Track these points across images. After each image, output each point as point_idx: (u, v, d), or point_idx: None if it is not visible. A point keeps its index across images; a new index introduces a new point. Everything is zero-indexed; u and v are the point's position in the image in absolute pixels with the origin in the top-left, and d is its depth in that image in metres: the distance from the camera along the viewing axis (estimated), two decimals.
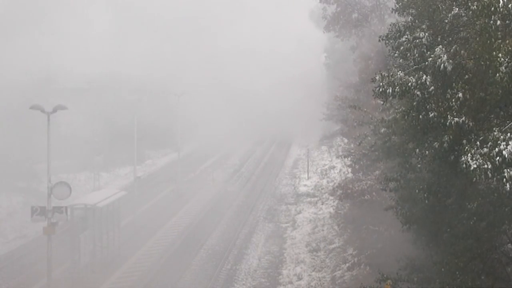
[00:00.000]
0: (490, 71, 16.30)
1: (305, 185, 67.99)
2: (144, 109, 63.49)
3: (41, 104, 30.14)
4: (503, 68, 15.83)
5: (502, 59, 15.85)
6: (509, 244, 21.53)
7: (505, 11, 16.30)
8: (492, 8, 16.28)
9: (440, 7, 18.02)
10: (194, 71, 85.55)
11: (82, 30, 65.98)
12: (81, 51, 64.37)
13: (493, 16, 16.34)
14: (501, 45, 16.04)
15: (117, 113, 69.04)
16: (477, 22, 16.93)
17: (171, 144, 72.54)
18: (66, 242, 41.75)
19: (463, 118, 16.74)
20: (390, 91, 17.72)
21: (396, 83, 17.62)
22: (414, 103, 17.71)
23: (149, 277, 37.80)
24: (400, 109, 19.71)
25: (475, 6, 16.83)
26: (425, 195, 19.29)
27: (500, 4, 16.25)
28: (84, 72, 67.34)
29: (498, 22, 16.37)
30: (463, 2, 17.44)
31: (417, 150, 19.34)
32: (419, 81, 17.38)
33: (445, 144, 17.07)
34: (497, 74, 15.98)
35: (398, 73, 17.87)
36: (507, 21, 16.48)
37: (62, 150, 56.52)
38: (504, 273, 20.83)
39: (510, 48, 15.88)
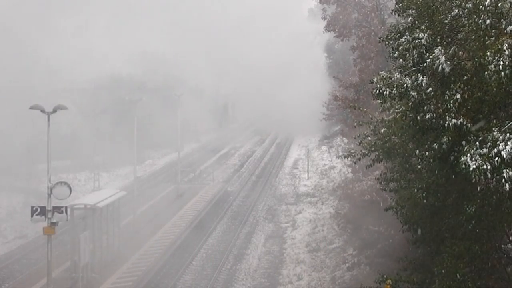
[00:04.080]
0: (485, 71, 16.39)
1: (305, 185, 67.98)
2: (144, 109, 63.47)
3: (41, 104, 30.10)
4: (492, 66, 15.87)
5: (490, 58, 15.90)
6: (509, 244, 21.55)
7: (495, 10, 16.34)
8: (481, 7, 16.37)
9: (440, 8, 18.04)
10: (195, 70, 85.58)
11: (82, 30, 65.95)
12: (81, 51, 64.33)
13: (482, 15, 16.40)
14: (492, 44, 16.09)
15: (117, 113, 69.04)
16: (468, 22, 17.02)
17: (171, 144, 72.55)
18: (66, 242, 41.76)
19: (461, 120, 16.78)
20: (387, 92, 17.79)
21: (394, 85, 17.67)
22: (410, 104, 17.77)
23: (149, 277, 37.79)
24: (400, 109, 19.75)
25: (470, 5, 16.90)
26: (424, 194, 19.31)
27: (486, 3, 16.32)
28: (84, 72, 67.30)
29: (488, 21, 16.42)
30: (460, 3, 17.48)
31: (417, 151, 19.36)
32: (415, 83, 17.42)
33: (443, 145, 17.11)
34: (486, 73, 16.04)
35: (395, 75, 17.91)
36: (501, 20, 16.50)
37: (62, 150, 56.49)
38: (504, 273, 20.84)
39: (499, 47, 15.90)
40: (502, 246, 21.54)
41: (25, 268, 40.04)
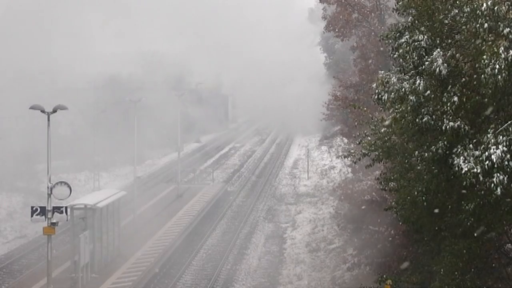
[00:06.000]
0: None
1: (305, 185, 67.96)
2: (144, 109, 63.46)
3: (41, 104, 30.08)
4: (489, 70, 15.90)
5: (486, 61, 15.93)
6: (509, 244, 21.55)
7: (492, 14, 16.37)
8: (478, 12, 16.40)
9: (440, 8, 18.05)
10: (195, 70, 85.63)
11: (83, 30, 65.97)
12: (81, 51, 64.35)
13: (479, 20, 16.44)
14: (489, 47, 16.12)
15: (117, 113, 69.03)
16: (466, 26, 17.06)
17: (171, 144, 72.56)
18: (66, 242, 41.76)
19: (458, 123, 16.80)
20: (386, 97, 17.85)
21: (393, 89, 17.73)
22: (409, 108, 17.81)
23: (149, 277, 37.78)
24: (400, 109, 19.73)
25: (468, 9, 16.92)
26: (424, 197, 19.27)
27: (483, 8, 16.35)
28: (84, 72, 67.35)
29: (486, 25, 16.45)
30: (459, 4, 17.50)
31: (416, 152, 19.34)
32: (413, 86, 17.45)
33: (439, 150, 17.16)
34: (482, 76, 16.08)
35: (392, 79, 17.95)
36: (498, 23, 16.52)
37: (62, 150, 56.48)
38: (504, 273, 20.86)
39: (495, 50, 15.92)
40: (502, 246, 21.55)
41: (25, 268, 40.04)
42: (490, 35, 16.57)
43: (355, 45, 42.98)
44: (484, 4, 16.43)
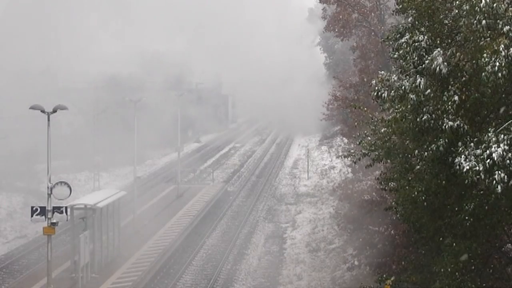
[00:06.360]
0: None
1: (305, 185, 67.96)
2: (144, 109, 63.49)
3: (41, 104, 30.08)
4: (489, 67, 15.94)
5: (487, 59, 15.97)
6: (509, 244, 21.55)
7: (491, 11, 16.39)
8: (476, 8, 16.43)
9: (440, 8, 18.07)
10: (195, 70, 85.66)
11: (83, 29, 65.97)
12: (81, 51, 64.37)
13: (477, 16, 16.46)
14: (489, 45, 16.15)
15: (117, 113, 69.03)
16: (465, 23, 17.08)
17: (171, 144, 72.60)
18: (66, 242, 41.76)
19: (458, 122, 16.83)
20: (386, 95, 17.86)
21: (392, 87, 17.73)
22: (409, 107, 17.82)
23: (149, 277, 37.78)
24: (400, 109, 19.75)
25: (467, 7, 16.95)
26: (424, 197, 19.28)
27: (481, 5, 16.38)
28: (84, 72, 67.35)
29: (483, 21, 16.47)
30: (459, 4, 17.52)
31: (416, 151, 19.36)
32: (413, 85, 17.46)
33: (440, 148, 17.17)
34: (483, 74, 16.10)
35: (393, 77, 17.96)
36: (497, 20, 16.55)
37: (62, 150, 56.50)
38: (504, 273, 20.86)
39: (495, 48, 15.95)
40: (503, 246, 21.55)
41: (25, 268, 40.03)
42: (488, 32, 16.59)
43: (355, 45, 43.01)
44: (483, 1, 16.45)
